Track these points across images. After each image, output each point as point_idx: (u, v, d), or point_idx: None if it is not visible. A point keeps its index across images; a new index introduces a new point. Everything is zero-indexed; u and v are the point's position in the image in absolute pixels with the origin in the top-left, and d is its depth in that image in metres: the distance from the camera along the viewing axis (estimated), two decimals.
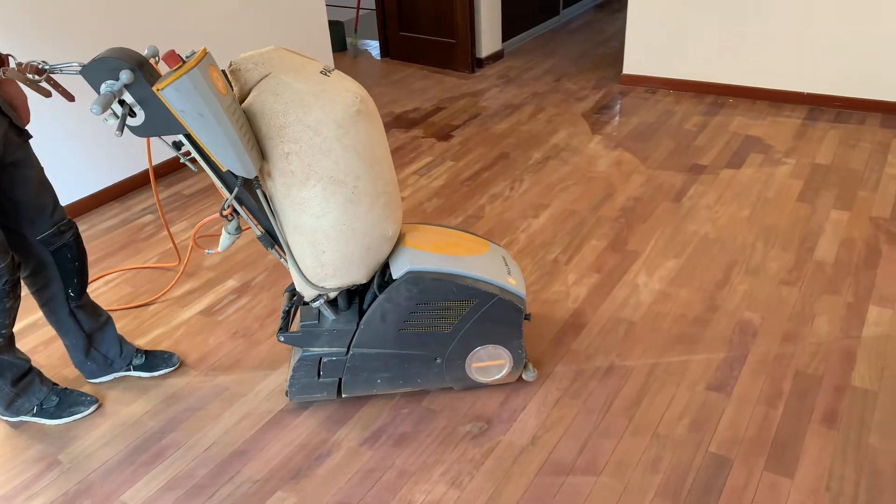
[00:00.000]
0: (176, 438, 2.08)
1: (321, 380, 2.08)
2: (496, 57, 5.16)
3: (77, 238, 2.08)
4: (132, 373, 2.32)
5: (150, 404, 2.21)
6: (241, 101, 1.79)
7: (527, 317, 2.10)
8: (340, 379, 2.08)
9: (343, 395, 2.13)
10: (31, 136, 1.93)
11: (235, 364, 2.35)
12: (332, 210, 1.79)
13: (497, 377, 2.15)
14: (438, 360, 2.07)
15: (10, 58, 1.78)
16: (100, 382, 2.30)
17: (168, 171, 3.69)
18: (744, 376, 2.17)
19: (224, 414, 2.16)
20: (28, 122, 1.93)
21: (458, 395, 2.16)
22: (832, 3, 3.78)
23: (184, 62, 1.54)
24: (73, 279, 2.09)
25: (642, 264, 2.74)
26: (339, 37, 5.53)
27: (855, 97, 3.95)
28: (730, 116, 4.01)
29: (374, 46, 5.67)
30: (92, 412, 2.19)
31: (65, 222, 2.04)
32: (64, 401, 2.18)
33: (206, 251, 2.06)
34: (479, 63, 5.03)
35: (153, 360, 2.33)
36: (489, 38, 5.03)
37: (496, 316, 2.01)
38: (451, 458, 1.96)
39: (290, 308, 2.12)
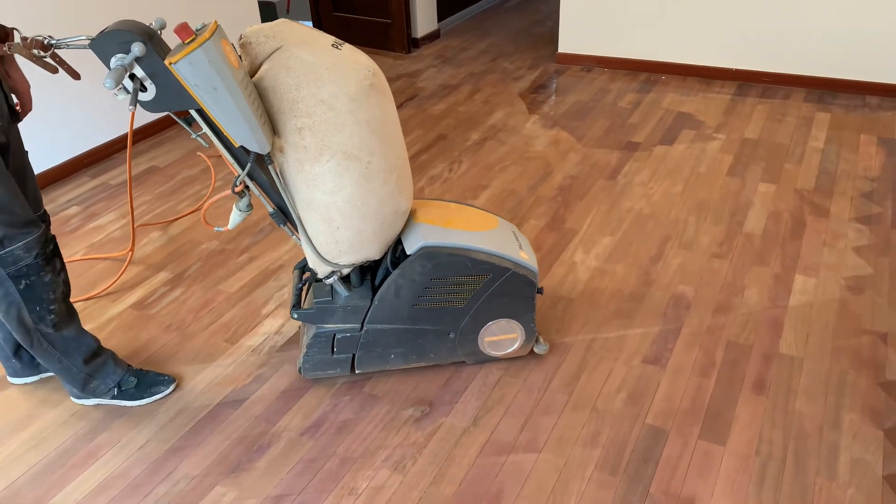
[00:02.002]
0: (108, 438, 2.01)
1: (335, 356, 2.07)
2: (432, 37, 5.11)
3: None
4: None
5: (79, 405, 2.13)
6: (252, 75, 1.73)
7: (539, 290, 2.12)
8: (354, 355, 2.08)
9: (357, 371, 2.12)
10: (20, 119, 1.83)
11: (170, 359, 2.29)
12: (347, 185, 1.76)
13: (509, 350, 2.16)
14: (451, 335, 2.08)
15: (14, 31, 1.68)
16: (22, 384, 2.21)
17: (95, 160, 3.54)
18: (678, 348, 2.22)
19: (159, 410, 2.10)
20: (30, 110, 1.84)
21: (401, 379, 2.15)
22: None
23: (196, 35, 1.48)
24: None
25: (579, 242, 2.77)
26: (272, 18, 5.38)
27: (781, 73, 4.06)
28: (662, 93, 4.08)
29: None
30: (172, 391, 2.15)
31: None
32: (143, 381, 2.12)
33: (215, 228, 2.00)
34: (415, 43, 4.98)
35: None
36: (425, 17, 4.98)
37: (509, 290, 2.02)
38: (393, 442, 1.95)
39: (302, 285, 2.11)
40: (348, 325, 2.02)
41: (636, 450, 1.90)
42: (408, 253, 1.94)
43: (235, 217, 1.84)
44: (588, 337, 2.28)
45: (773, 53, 4.03)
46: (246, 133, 1.61)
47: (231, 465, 1.91)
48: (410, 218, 2.03)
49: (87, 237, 2.95)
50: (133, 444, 1.99)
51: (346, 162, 1.74)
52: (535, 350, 2.20)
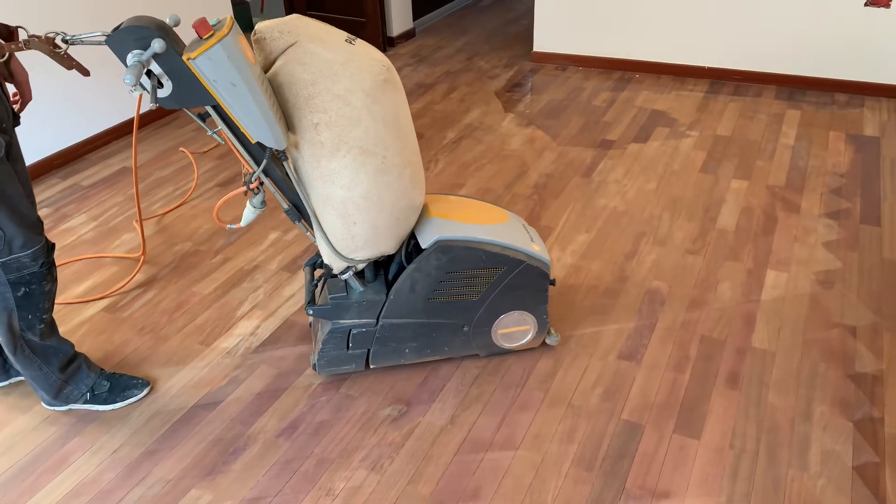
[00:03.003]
0: (80, 443, 1.98)
1: (350, 351, 2.07)
2: (408, 36, 5.11)
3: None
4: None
5: (51, 409, 2.09)
6: (265, 70, 1.72)
7: (552, 282, 2.13)
8: (369, 350, 2.08)
9: (371, 367, 2.12)
10: (19, 123, 1.80)
11: (143, 362, 2.26)
12: (363, 181, 1.76)
13: (522, 342, 2.18)
14: (466, 328, 2.09)
15: (20, 30, 1.65)
16: None
17: (65, 161, 3.48)
18: (653, 344, 2.24)
19: (132, 414, 2.07)
20: (30, 99, 1.81)
21: (378, 379, 2.15)
22: None
23: (214, 31, 1.46)
24: None
25: (555, 239, 2.79)
26: (246, 17, 5.34)
27: (752, 70, 4.12)
28: (636, 91, 4.12)
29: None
30: (146, 395, 2.11)
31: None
32: (116, 385, 2.09)
33: (228, 226, 1.99)
34: (391, 42, 4.97)
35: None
36: (400, 16, 4.97)
37: (523, 282, 2.04)
38: (370, 442, 1.95)
39: (317, 281, 2.11)
40: (364, 321, 2.03)
41: (612, 445, 1.91)
42: (422, 247, 1.95)
43: (249, 214, 1.85)
44: (564, 334, 2.30)
45: (745, 52, 4.08)
46: (263, 129, 1.60)
47: (207, 468, 1.89)
48: (423, 212, 2.04)
49: (59, 239, 2.90)
50: (106, 449, 1.97)
51: (362, 157, 1.74)
52: (547, 341, 2.23)
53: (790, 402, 2.02)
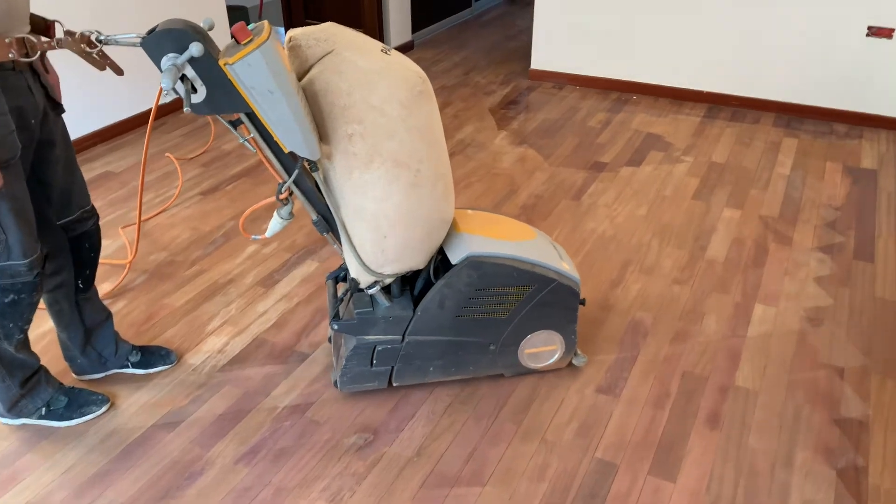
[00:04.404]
0: (31, 460, 1.90)
1: (374, 368, 2.01)
2: (406, 48, 5.06)
3: (97, 226, 1.97)
4: (128, 370, 2.18)
5: (2, 422, 2.01)
6: (299, 78, 1.67)
7: (582, 301, 2.08)
8: (392, 367, 2.02)
9: (395, 384, 2.06)
10: (64, 111, 1.77)
11: (105, 376, 2.18)
12: (395, 193, 1.72)
13: (548, 363, 2.13)
14: (492, 347, 2.04)
15: (56, 24, 1.61)
16: (89, 379, 2.15)
17: None
18: (633, 377, 2.17)
19: (88, 432, 1.99)
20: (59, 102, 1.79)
21: (346, 405, 2.07)
22: (729, 8, 3.87)
23: (252, 36, 1.42)
24: (86, 269, 1.98)
25: None
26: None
27: (751, 97, 4.06)
28: (633, 113, 4.06)
29: (279, 33, 5.46)
30: (105, 412, 2.04)
31: (88, 208, 1.91)
32: (74, 401, 2.02)
33: (253, 237, 1.93)
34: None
35: (149, 356, 2.19)
36: (399, 27, 4.92)
37: (553, 300, 2.00)
38: (332, 472, 1.87)
39: (342, 295, 2.06)
40: (389, 337, 1.97)
41: (584, 484, 1.83)
42: (452, 263, 1.90)
43: (276, 225, 1.80)
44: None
45: (744, 77, 4.03)
46: (297, 138, 1.55)
47: (160, 492, 1.81)
48: (452, 228, 1.99)
49: None
50: (58, 468, 1.89)
51: (395, 169, 1.69)
52: (574, 362, 2.18)
53: (772, 445, 1.94)
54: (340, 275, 2.16)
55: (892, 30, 3.60)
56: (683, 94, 4.21)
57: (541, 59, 4.52)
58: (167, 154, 3.53)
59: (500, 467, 1.88)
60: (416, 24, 5.19)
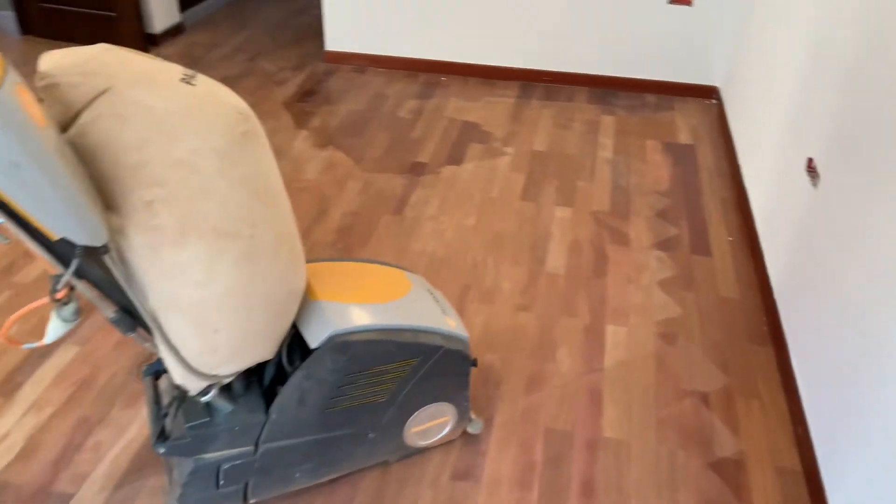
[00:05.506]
0: None
1: (222, 490, 1.54)
2: (175, 32, 4.29)
3: None
4: None
5: None
6: (63, 129, 1.16)
7: (473, 363, 1.73)
8: (247, 483, 1.57)
9: (251, 501, 1.62)
10: None
11: None
12: (223, 274, 1.26)
13: (440, 436, 1.80)
14: (371, 435, 1.66)
15: None
16: None
17: None
18: (492, 450, 1.84)
19: None
20: None
21: None
22: None
23: None
24: None
25: None
26: None
27: (563, 71, 3.86)
28: (444, 98, 3.70)
29: (8, 20, 4.41)
30: None
31: None
32: None
33: (24, 346, 1.24)
34: (153, 41, 4.13)
35: None
36: (162, 8, 4.14)
37: (442, 370, 1.65)
38: None
39: (166, 408, 1.47)
40: (237, 451, 1.50)
41: None
42: (311, 347, 1.44)
43: (57, 329, 1.25)
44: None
45: (555, 52, 3.81)
46: (68, 221, 1.06)
47: None
48: (306, 295, 1.55)
49: None
50: None
51: (219, 242, 1.24)
52: (469, 430, 1.85)
53: None
54: (162, 367, 1.60)
55: None
56: (494, 71, 3.92)
57: (336, 39, 4.00)
58: None
59: None
60: (185, 2, 4.42)
